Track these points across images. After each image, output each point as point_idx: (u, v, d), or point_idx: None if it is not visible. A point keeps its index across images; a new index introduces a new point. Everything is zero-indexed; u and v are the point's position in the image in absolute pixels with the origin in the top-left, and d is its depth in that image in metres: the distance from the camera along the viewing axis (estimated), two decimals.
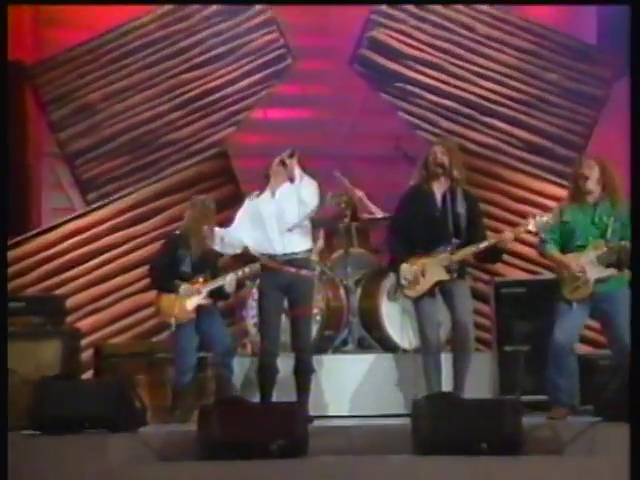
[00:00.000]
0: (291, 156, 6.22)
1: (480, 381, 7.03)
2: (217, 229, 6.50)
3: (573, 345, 6.22)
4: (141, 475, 5.51)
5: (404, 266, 6.23)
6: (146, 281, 8.05)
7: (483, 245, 6.20)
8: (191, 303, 7.01)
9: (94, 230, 9.14)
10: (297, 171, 6.21)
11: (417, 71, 9.61)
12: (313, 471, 5.45)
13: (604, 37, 9.44)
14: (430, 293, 6.23)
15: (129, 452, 5.65)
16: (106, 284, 9.07)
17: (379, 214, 7.89)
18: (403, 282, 6.27)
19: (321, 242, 7.82)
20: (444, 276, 6.18)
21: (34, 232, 9.03)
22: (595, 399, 6.04)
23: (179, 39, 9.47)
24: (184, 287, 7.00)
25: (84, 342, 8.19)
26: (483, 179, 9.19)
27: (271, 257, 6.26)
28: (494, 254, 6.34)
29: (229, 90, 9.48)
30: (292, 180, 6.23)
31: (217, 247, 6.51)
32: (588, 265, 6.15)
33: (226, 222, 7.71)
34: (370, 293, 7.72)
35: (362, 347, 7.63)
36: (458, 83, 9.57)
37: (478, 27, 9.63)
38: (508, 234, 6.26)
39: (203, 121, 9.46)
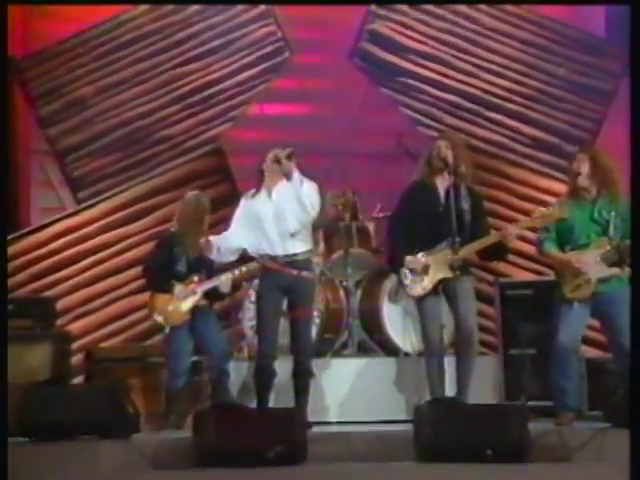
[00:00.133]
0: (289, 157, 6.20)
1: (485, 386, 7.04)
2: (212, 239, 6.48)
3: (577, 347, 6.22)
4: None
5: (409, 257, 6.22)
6: (139, 282, 8.06)
7: (487, 240, 6.18)
8: (186, 304, 7.01)
9: (85, 229, 9.15)
10: (296, 174, 6.19)
11: (419, 65, 9.61)
12: (312, 479, 5.45)
13: (613, 30, 9.45)
14: (433, 292, 6.23)
15: (121, 459, 5.65)
16: (98, 285, 9.07)
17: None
18: (406, 280, 6.24)
19: (322, 245, 7.84)
20: (448, 274, 6.18)
21: (23, 232, 9.04)
22: (604, 404, 6.05)
23: (172, 32, 9.47)
24: (179, 289, 7.01)
25: (75, 346, 8.18)
26: (487, 176, 9.19)
27: (271, 258, 6.26)
28: (499, 251, 6.32)
29: (225, 85, 9.48)
30: (288, 177, 6.22)
31: (214, 257, 6.52)
32: (591, 264, 6.14)
33: (222, 222, 7.74)
34: (371, 294, 7.72)
35: (362, 350, 7.64)
36: (462, 77, 9.58)
37: (483, 19, 9.63)
38: (513, 228, 6.23)
39: (198, 117, 9.46)
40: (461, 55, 9.60)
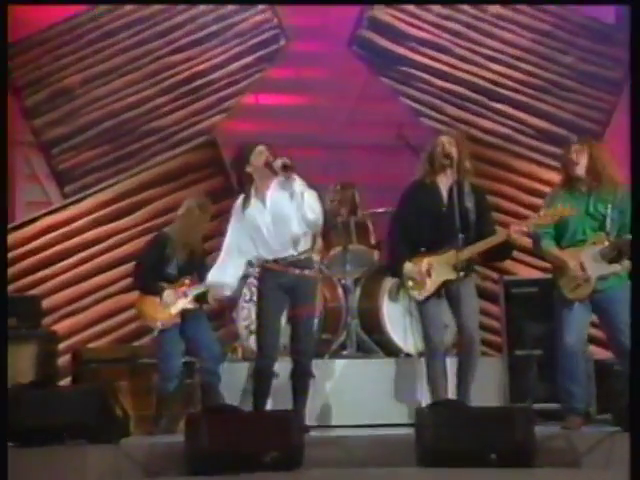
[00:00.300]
0: (285, 169, 6.12)
1: (489, 388, 7.06)
2: (212, 282, 6.45)
3: (583, 347, 6.23)
4: None
5: (408, 265, 6.24)
6: (128, 280, 8.05)
7: (492, 240, 6.19)
8: (176, 307, 7.01)
9: (72, 225, 9.15)
10: (297, 188, 6.13)
11: (421, 53, 9.61)
12: None
13: (624, 17, 9.43)
14: (436, 294, 6.24)
15: (110, 465, 5.65)
16: (85, 283, 9.07)
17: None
18: (408, 283, 6.27)
19: (319, 241, 7.83)
20: (451, 275, 6.18)
21: (7, 227, 9.03)
22: (613, 407, 6.06)
23: (163, 18, 9.46)
24: (167, 294, 7.00)
25: (61, 346, 8.20)
26: (492, 170, 9.21)
27: (274, 261, 6.25)
28: (503, 251, 6.32)
29: (218, 74, 9.48)
30: (290, 194, 6.15)
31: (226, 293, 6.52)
32: (589, 261, 6.14)
33: (215, 217, 7.74)
34: (370, 293, 7.73)
35: (362, 351, 7.64)
36: (466, 66, 9.58)
37: (488, 6, 9.63)
38: (519, 227, 6.21)
39: (190, 107, 9.46)
40: (465, 43, 9.59)
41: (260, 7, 9.51)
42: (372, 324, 7.67)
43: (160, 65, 9.41)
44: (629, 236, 5.97)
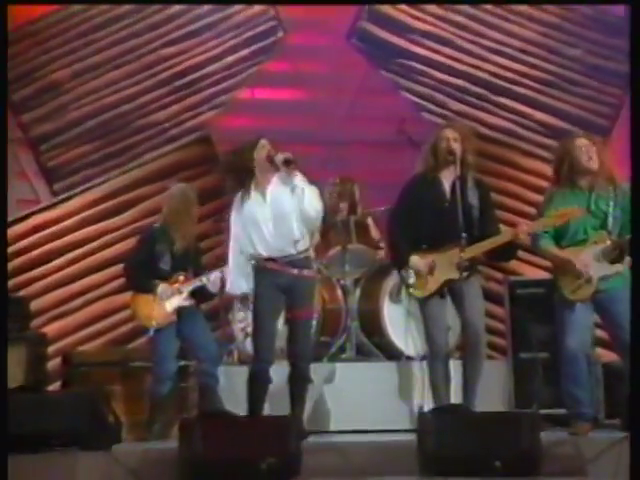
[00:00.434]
0: (287, 164, 6.16)
1: (493, 392, 7.06)
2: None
3: (587, 350, 6.23)
4: None
5: (414, 258, 6.23)
6: (120, 281, 8.06)
7: (497, 240, 6.18)
8: (171, 304, 7.02)
9: (62, 224, 9.15)
10: (298, 184, 6.15)
11: (423, 46, 9.61)
12: None
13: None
14: (439, 293, 6.24)
15: (102, 473, 5.66)
16: (76, 284, 9.08)
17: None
18: (410, 279, 6.25)
19: (317, 236, 7.82)
20: (454, 274, 6.17)
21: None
22: (622, 412, 6.06)
23: (156, 10, 9.46)
24: (162, 288, 7.01)
25: (51, 349, 8.21)
26: (496, 166, 9.21)
27: (271, 259, 6.25)
28: (508, 251, 6.32)
29: (212, 67, 9.48)
30: (290, 189, 6.18)
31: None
32: (591, 261, 6.14)
33: (209, 215, 7.75)
34: (370, 294, 7.73)
35: (362, 354, 7.65)
36: (469, 59, 9.59)
37: None
38: (527, 227, 6.21)
39: (183, 102, 9.46)
40: (468, 36, 9.60)
41: None
42: (372, 326, 7.67)
43: (152, 58, 9.41)
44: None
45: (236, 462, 5.47)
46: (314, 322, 7.15)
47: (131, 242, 7.86)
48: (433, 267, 6.22)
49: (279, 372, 6.32)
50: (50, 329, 8.70)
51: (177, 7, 9.44)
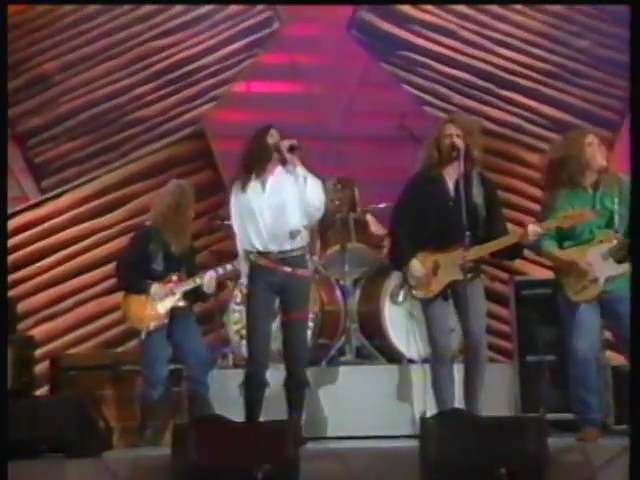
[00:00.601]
0: (292, 150, 6.20)
1: (498, 396, 7.06)
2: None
3: (596, 353, 6.23)
4: None
5: (414, 262, 6.23)
6: (111, 282, 8.06)
7: (503, 242, 6.17)
8: (164, 306, 7.01)
9: (50, 222, 9.15)
10: (300, 171, 6.19)
11: (425, 37, 9.61)
12: None
13: None
14: (442, 295, 6.23)
15: None
16: (65, 285, 9.08)
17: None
18: (411, 281, 6.26)
19: (318, 244, 7.84)
20: (458, 276, 6.17)
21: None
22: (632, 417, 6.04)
23: (147, 1, 9.45)
24: (155, 288, 7.01)
25: (38, 352, 8.19)
26: (501, 162, 9.20)
27: (264, 255, 6.25)
28: (514, 250, 6.32)
29: (206, 60, 9.47)
30: (291, 173, 6.20)
31: None
32: (597, 261, 6.13)
33: (204, 213, 7.74)
34: (371, 294, 7.73)
35: (361, 357, 7.65)
36: (473, 51, 9.58)
37: None
38: (536, 228, 6.18)
39: (176, 96, 9.46)
40: (473, 27, 9.59)
41: None
42: (373, 328, 7.67)
43: (144, 50, 9.41)
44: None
45: (231, 469, 5.46)
46: (311, 324, 7.17)
47: (123, 241, 7.87)
48: (435, 269, 6.21)
49: (275, 376, 6.33)
50: (38, 331, 8.70)
51: None
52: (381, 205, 7.89)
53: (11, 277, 8.94)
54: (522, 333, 7.45)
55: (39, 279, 9.03)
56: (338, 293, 7.70)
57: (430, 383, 6.33)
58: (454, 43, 9.57)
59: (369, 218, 8.10)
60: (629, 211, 5.92)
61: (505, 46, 9.60)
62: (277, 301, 6.31)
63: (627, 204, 6.09)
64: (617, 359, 7.36)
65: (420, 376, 6.85)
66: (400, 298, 7.47)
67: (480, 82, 9.56)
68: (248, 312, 6.35)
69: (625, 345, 6.09)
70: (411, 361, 7.39)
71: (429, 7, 9.59)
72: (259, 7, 9.50)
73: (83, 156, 9.32)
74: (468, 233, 6.11)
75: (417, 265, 6.23)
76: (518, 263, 8.38)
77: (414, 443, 5.70)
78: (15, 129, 9.31)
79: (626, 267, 6.09)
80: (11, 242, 9.03)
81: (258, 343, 6.24)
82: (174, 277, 7.07)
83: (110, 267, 7.85)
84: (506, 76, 9.58)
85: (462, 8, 9.59)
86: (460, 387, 6.27)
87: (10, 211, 9.09)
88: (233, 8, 9.49)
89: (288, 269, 6.23)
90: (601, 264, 6.13)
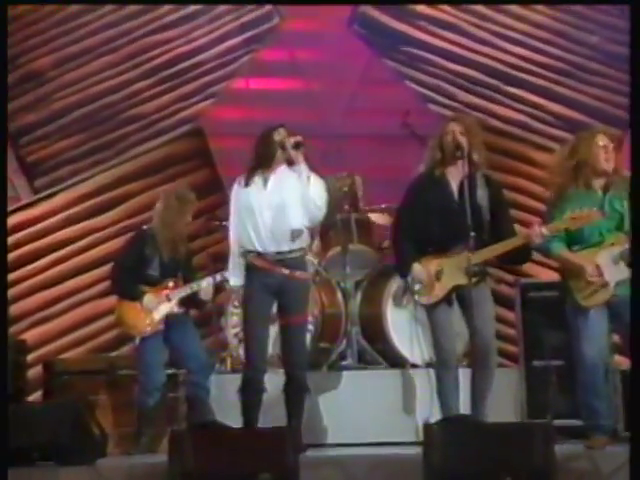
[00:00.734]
0: (296, 146, 6.23)
1: (504, 402, 7.05)
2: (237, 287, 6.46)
3: (605, 358, 6.23)
4: None
5: (416, 267, 6.24)
6: (105, 284, 8.06)
7: (509, 244, 6.16)
8: (159, 313, 7.02)
9: (43, 223, 9.16)
10: (304, 168, 6.21)
11: (430, 32, 9.61)
12: None
13: None
14: (446, 300, 6.24)
15: None
16: (58, 287, 9.08)
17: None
18: (415, 287, 6.26)
19: (317, 242, 7.84)
20: (462, 280, 6.16)
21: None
22: None
23: (145, 1, 9.45)
24: (147, 298, 7.00)
25: (31, 357, 8.20)
26: (508, 162, 9.21)
27: (260, 255, 6.27)
28: (522, 253, 6.31)
29: (204, 56, 9.48)
30: (294, 171, 6.22)
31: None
32: (607, 265, 6.12)
33: (201, 214, 7.74)
34: (373, 297, 7.73)
35: (363, 362, 7.65)
36: (479, 47, 9.58)
37: None
38: (543, 230, 6.17)
39: (173, 93, 9.47)
40: (479, 22, 9.59)
41: None
42: (375, 332, 7.67)
43: (140, 46, 9.42)
44: None
45: (229, 477, 5.47)
46: (311, 327, 7.18)
47: (118, 242, 7.88)
48: (438, 274, 6.22)
49: (274, 381, 6.33)
50: (30, 335, 8.71)
51: None
52: (381, 206, 7.89)
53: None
54: (528, 337, 7.46)
55: (32, 281, 9.04)
56: (339, 296, 7.71)
57: (434, 388, 6.34)
58: (459, 38, 9.57)
59: (372, 216, 8.09)
60: (629, 211, 5.94)
61: (512, 42, 9.60)
62: (275, 304, 6.32)
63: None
64: (626, 363, 7.38)
65: (424, 381, 6.84)
66: (404, 302, 7.47)
67: (486, 79, 9.56)
68: (244, 315, 6.36)
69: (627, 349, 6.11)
70: (415, 366, 7.40)
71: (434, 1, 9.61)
72: (258, 1, 9.51)
73: (77, 154, 9.33)
74: (473, 234, 6.10)
75: (419, 269, 6.23)
76: (525, 265, 8.38)
77: (417, 450, 5.70)
78: (7, 127, 9.32)
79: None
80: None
81: (255, 346, 6.25)
82: (170, 283, 7.07)
83: (105, 269, 7.86)
84: (513, 73, 9.59)
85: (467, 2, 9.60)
86: (465, 393, 6.27)
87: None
88: (231, 2, 9.49)
89: (286, 271, 6.24)
90: (612, 268, 6.13)
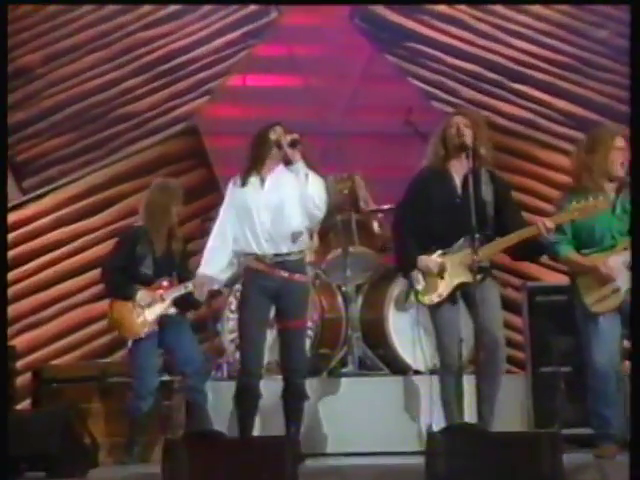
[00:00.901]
0: (293, 144, 6.23)
1: (511, 410, 7.04)
2: (202, 275, 6.43)
3: (616, 365, 6.21)
4: None
5: (422, 257, 6.20)
6: (98, 288, 8.07)
7: (512, 238, 6.15)
8: (152, 312, 7.01)
9: (33, 225, 9.15)
10: (302, 167, 6.21)
11: (433, 27, 9.61)
12: None
13: None
14: (450, 299, 6.22)
15: None
16: (48, 292, 9.08)
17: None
18: (419, 284, 6.23)
19: (316, 239, 7.82)
20: (467, 278, 6.16)
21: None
22: None
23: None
24: (140, 294, 7.00)
25: (20, 364, 8.19)
26: (513, 160, 9.22)
27: (258, 258, 6.26)
28: (534, 248, 6.28)
29: (199, 52, 9.48)
30: (292, 169, 6.22)
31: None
32: (619, 269, 6.11)
33: (197, 215, 7.73)
34: (374, 301, 7.73)
35: (364, 368, 7.64)
36: (483, 42, 9.59)
37: None
38: (547, 222, 6.15)
39: (167, 90, 9.46)
40: (483, 16, 9.59)
41: None
42: (376, 337, 7.67)
43: (132, 41, 9.41)
44: None
45: None
46: (310, 332, 7.17)
47: (110, 244, 7.85)
48: (444, 269, 6.20)
49: (272, 387, 6.33)
50: (19, 341, 8.68)
51: None
52: (385, 207, 7.88)
53: None
54: (536, 342, 7.45)
55: (20, 285, 9.01)
56: (340, 300, 7.70)
57: (438, 395, 6.33)
58: (463, 33, 9.59)
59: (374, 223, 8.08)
60: (630, 211, 5.93)
61: (517, 36, 9.61)
62: (273, 308, 6.31)
63: None
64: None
65: (427, 388, 6.83)
66: (409, 304, 7.44)
67: (491, 75, 9.57)
68: (241, 319, 6.37)
69: None
70: (417, 372, 7.40)
71: None
72: None
73: (68, 154, 9.32)
74: (479, 236, 6.10)
75: (426, 259, 6.18)
76: (531, 268, 8.38)
77: (420, 460, 5.69)
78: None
79: None
80: None
81: (251, 351, 6.25)
82: (164, 283, 7.07)
83: (96, 272, 7.85)
84: (519, 69, 9.59)
85: None
86: (471, 400, 6.26)
87: None
88: None
89: (284, 274, 6.23)
90: (623, 272, 6.12)
